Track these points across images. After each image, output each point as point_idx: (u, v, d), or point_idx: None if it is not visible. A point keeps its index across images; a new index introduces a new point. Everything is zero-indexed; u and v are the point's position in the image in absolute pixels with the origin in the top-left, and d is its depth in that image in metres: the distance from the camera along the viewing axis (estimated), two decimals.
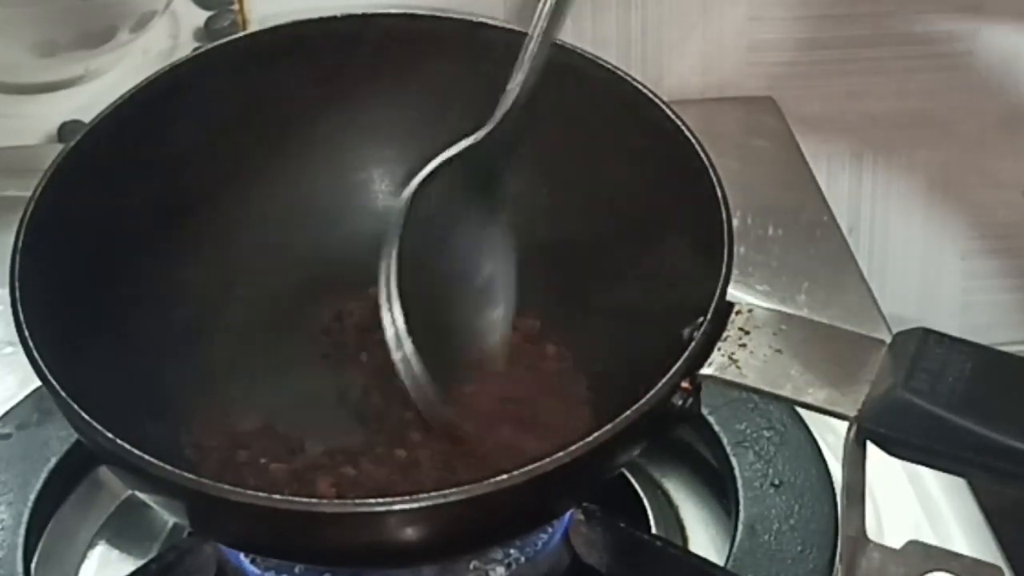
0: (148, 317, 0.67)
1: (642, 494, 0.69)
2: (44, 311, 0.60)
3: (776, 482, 0.67)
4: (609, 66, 0.67)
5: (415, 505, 0.53)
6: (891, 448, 0.55)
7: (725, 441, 0.69)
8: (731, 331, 0.58)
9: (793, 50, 0.99)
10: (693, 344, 0.57)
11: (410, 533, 0.55)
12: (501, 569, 0.64)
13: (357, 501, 0.55)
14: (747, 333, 0.58)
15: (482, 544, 0.61)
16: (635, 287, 0.67)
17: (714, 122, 0.93)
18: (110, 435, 0.55)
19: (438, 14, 0.69)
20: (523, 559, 0.64)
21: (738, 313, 0.59)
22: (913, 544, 0.57)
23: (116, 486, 0.70)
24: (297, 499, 0.54)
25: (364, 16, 0.70)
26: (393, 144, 0.72)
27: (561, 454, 0.54)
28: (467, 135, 0.65)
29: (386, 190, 0.73)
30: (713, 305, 0.58)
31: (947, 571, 0.56)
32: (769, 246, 0.87)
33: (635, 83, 0.66)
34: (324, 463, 0.65)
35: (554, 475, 0.54)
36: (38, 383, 0.58)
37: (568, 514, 0.64)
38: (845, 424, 0.55)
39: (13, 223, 0.62)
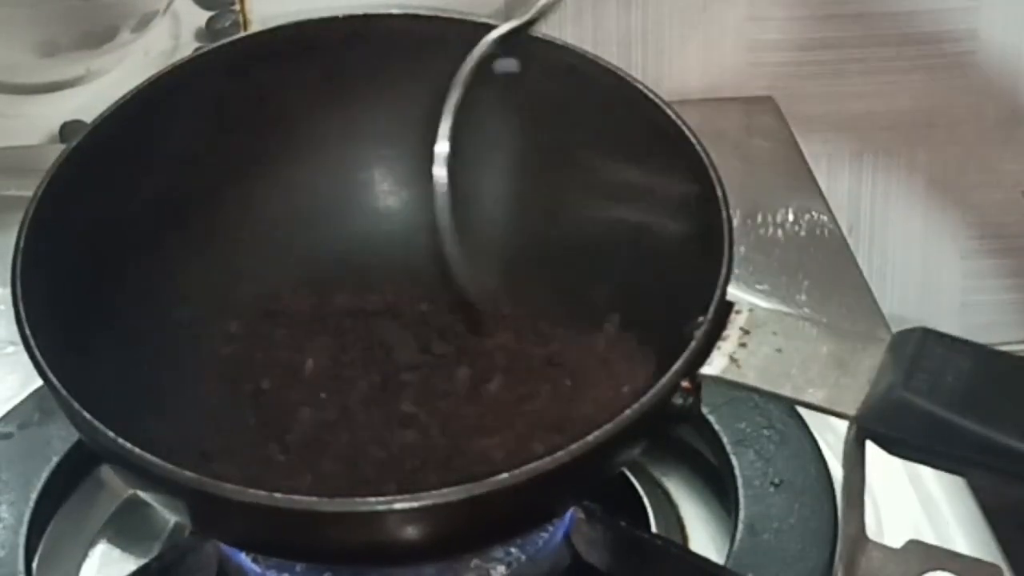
0: (149, 316, 0.67)
1: (642, 493, 0.69)
2: (46, 310, 0.60)
3: (776, 481, 0.67)
4: (609, 66, 0.67)
5: (415, 504, 0.53)
6: (891, 448, 0.55)
7: (725, 440, 0.69)
8: (731, 331, 0.58)
9: (793, 50, 0.99)
10: (693, 344, 0.57)
11: (411, 532, 0.55)
12: (502, 568, 0.64)
13: (358, 500, 0.55)
14: (747, 333, 0.58)
15: (483, 543, 0.61)
16: (635, 287, 0.67)
17: (714, 122, 0.93)
18: (111, 434, 0.55)
19: (438, 14, 0.69)
20: (524, 558, 0.64)
21: (738, 313, 0.59)
22: (913, 544, 0.57)
23: (117, 485, 0.70)
24: (299, 498, 0.54)
25: (364, 16, 0.70)
26: (393, 144, 0.72)
27: (561, 453, 0.54)
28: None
29: (387, 190, 0.73)
30: (713, 305, 0.58)
31: (947, 571, 0.56)
32: (769, 246, 0.87)
33: (635, 83, 0.66)
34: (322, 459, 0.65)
35: (554, 474, 0.54)
36: (39, 382, 0.58)
37: (569, 513, 0.64)
38: (845, 424, 0.55)
39: (14, 223, 0.62)
